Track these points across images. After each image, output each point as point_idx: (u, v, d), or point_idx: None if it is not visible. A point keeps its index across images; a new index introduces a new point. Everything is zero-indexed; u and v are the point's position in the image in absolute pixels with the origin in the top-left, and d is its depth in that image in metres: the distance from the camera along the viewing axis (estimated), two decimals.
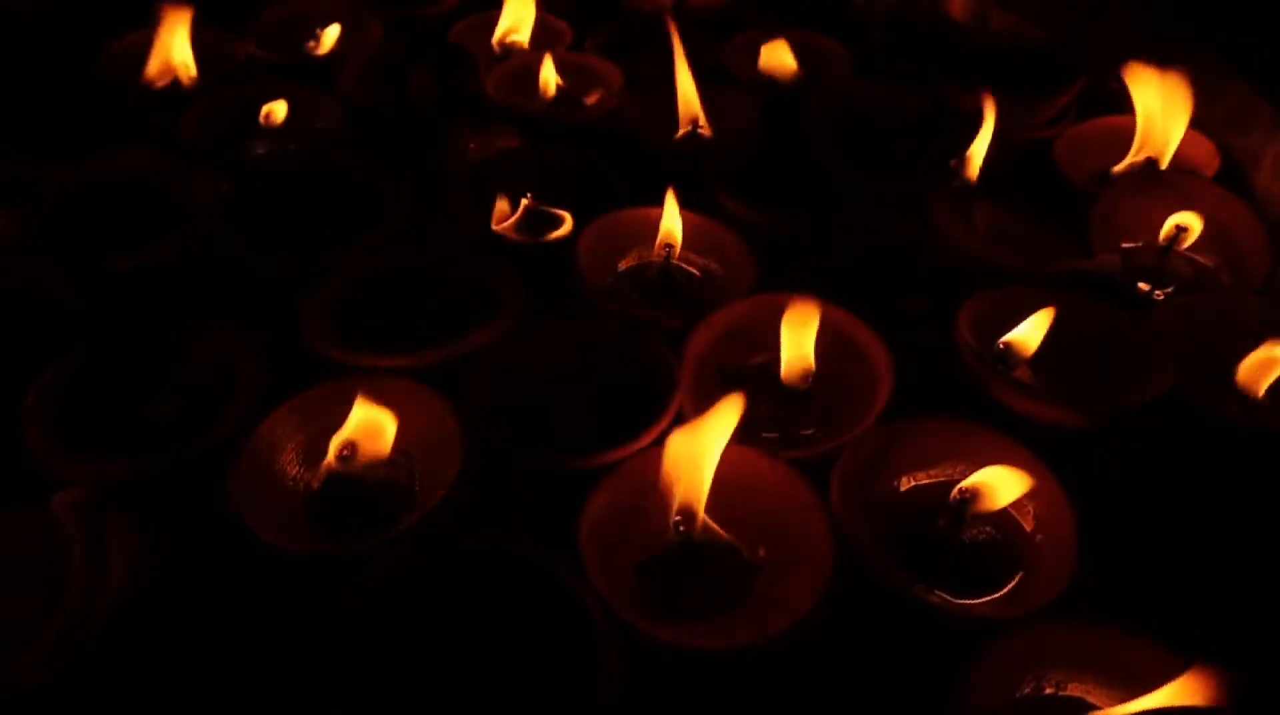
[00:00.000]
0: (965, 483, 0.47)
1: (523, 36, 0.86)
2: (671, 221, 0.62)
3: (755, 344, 0.58)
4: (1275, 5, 0.67)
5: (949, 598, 0.46)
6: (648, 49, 0.85)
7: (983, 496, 0.47)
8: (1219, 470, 0.54)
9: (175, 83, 0.78)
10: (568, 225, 0.64)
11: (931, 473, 0.52)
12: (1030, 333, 0.54)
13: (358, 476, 0.51)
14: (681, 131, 0.74)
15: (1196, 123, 0.71)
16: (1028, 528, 0.49)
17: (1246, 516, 0.52)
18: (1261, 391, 0.55)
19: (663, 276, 0.62)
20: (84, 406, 0.54)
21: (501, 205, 0.64)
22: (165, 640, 0.47)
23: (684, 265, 0.65)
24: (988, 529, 0.49)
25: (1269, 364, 0.54)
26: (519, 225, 0.65)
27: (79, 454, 0.50)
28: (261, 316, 0.59)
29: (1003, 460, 0.49)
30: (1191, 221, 0.63)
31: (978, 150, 0.68)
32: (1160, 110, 0.67)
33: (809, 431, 0.55)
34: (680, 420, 0.51)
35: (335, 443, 0.50)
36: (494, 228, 0.63)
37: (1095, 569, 0.46)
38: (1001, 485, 0.47)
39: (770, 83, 0.81)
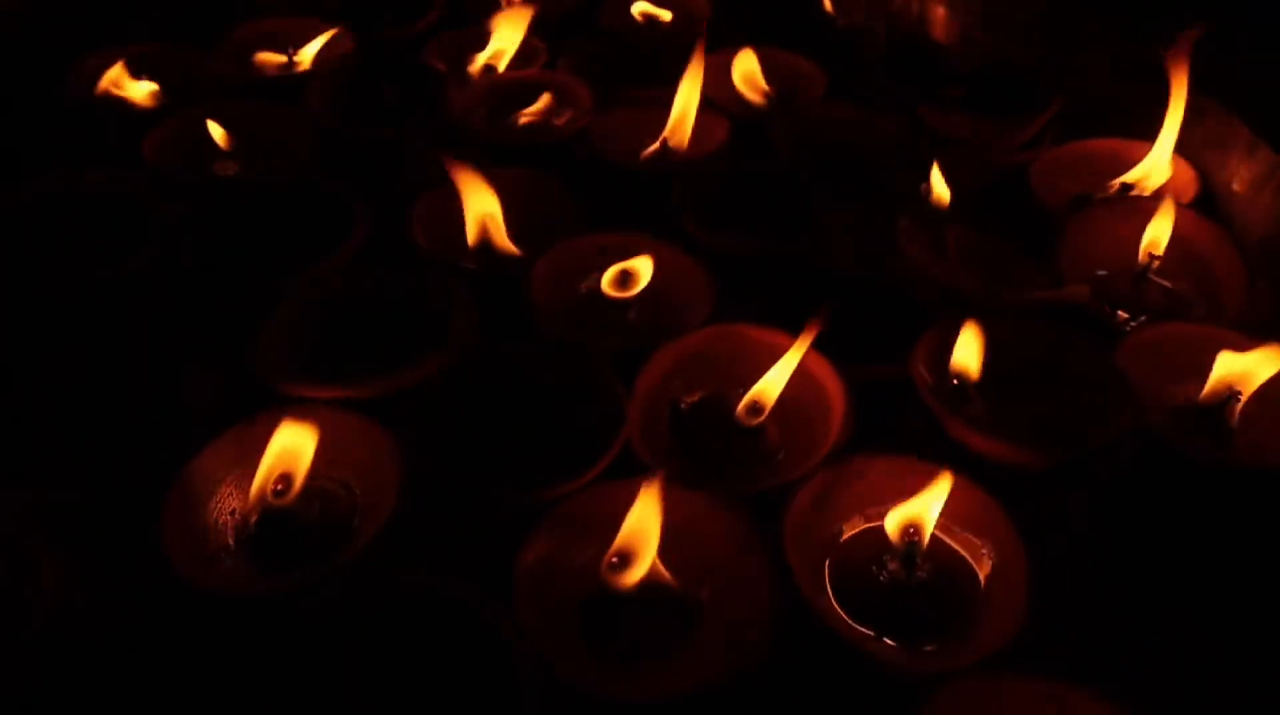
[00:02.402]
0: (896, 518, 0.46)
1: (502, 63, 0.85)
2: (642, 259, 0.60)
3: (710, 375, 0.56)
4: (1253, 27, 0.65)
5: (895, 645, 0.45)
6: (621, 68, 0.85)
7: (924, 529, 0.46)
8: (1186, 511, 0.52)
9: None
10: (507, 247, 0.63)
11: (884, 512, 0.50)
12: (966, 354, 0.52)
13: (294, 510, 0.49)
14: (650, 149, 0.73)
15: (1177, 146, 0.69)
16: (982, 573, 0.47)
17: (1213, 563, 0.50)
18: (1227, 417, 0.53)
19: (619, 306, 0.61)
20: (26, 431, 0.53)
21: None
22: (95, 677, 0.46)
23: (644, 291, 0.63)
24: (940, 572, 0.47)
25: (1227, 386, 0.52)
26: (478, 249, 0.64)
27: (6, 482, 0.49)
28: (217, 341, 0.58)
29: (955, 499, 0.48)
30: (1159, 234, 0.62)
31: (946, 174, 0.67)
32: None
33: (763, 466, 0.53)
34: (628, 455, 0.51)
35: (260, 476, 0.49)
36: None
37: (1049, 616, 0.44)
38: (928, 509, 0.45)
39: (742, 103, 0.80)
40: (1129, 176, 0.68)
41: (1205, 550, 0.51)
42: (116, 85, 0.77)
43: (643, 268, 0.60)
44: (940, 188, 0.67)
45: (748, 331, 0.56)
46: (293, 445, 0.50)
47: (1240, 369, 0.52)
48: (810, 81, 0.82)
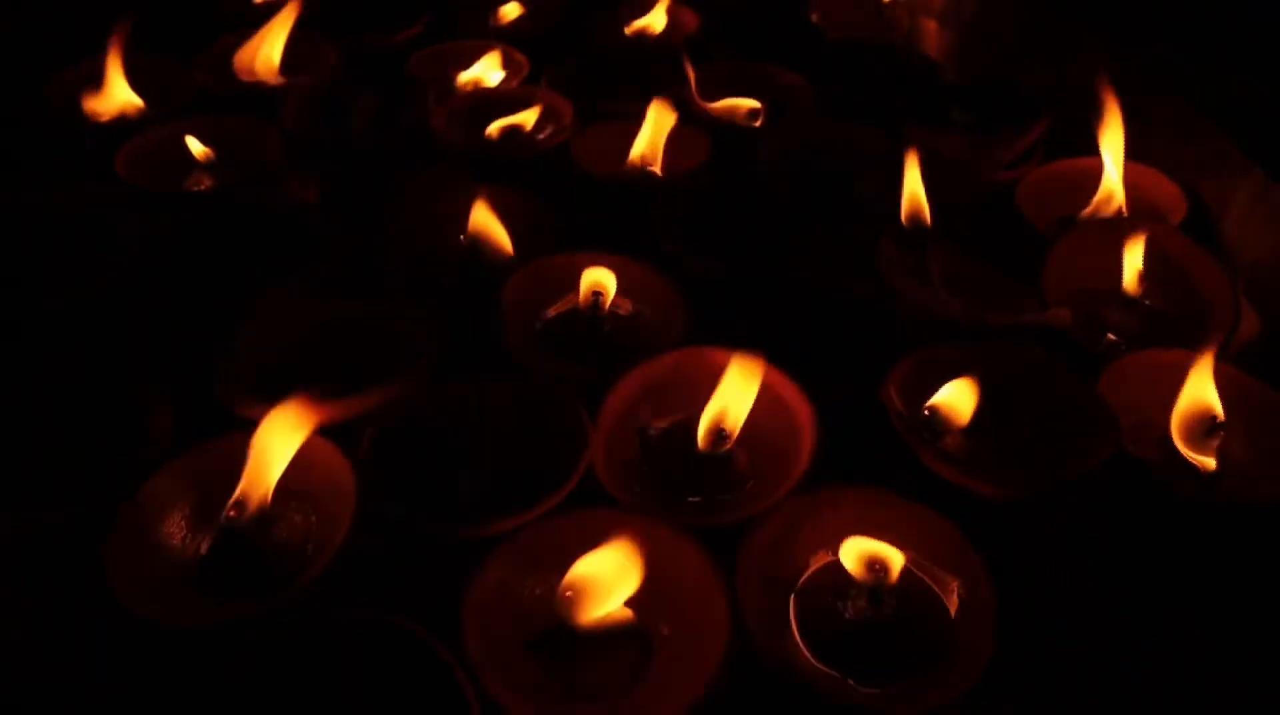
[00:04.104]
0: (851, 553, 0.44)
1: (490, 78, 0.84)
2: (602, 269, 0.59)
3: (680, 400, 0.55)
4: (1243, 47, 0.63)
5: (859, 685, 0.43)
6: (605, 84, 0.84)
7: (891, 565, 0.44)
8: (1168, 546, 0.50)
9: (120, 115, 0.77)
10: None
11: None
12: (956, 398, 0.51)
13: (249, 538, 0.48)
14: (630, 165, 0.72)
15: (1164, 166, 0.68)
16: (952, 610, 0.46)
17: (1195, 601, 0.48)
18: (1203, 450, 0.51)
19: (590, 326, 0.60)
20: None
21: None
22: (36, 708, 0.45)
23: (618, 311, 0.62)
24: (907, 608, 0.46)
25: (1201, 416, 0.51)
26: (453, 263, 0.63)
27: None
28: (178, 362, 0.57)
29: (925, 531, 0.46)
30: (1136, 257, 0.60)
31: (921, 192, 0.65)
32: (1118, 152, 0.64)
33: (732, 495, 0.52)
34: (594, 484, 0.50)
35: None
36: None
37: (1020, 655, 0.43)
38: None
39: (726, 119, 0.79)
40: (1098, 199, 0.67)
41: (1187, 588, 0.49)
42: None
43: (606, 280, 0.59)
44: (917, 204, 0.65)
45: (718, 355, 0.55)
46: (269, 464, 0.49)
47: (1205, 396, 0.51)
48: (797, 96, 0.81)
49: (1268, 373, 0.55)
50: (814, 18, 0.92)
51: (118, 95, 0.76)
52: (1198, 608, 0.48)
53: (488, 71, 0.83)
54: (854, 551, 0.45)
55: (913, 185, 0.66)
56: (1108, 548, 0.50)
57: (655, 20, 0.91)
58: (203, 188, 0.72)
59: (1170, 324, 0.62)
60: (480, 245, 0.63)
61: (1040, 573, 0.49)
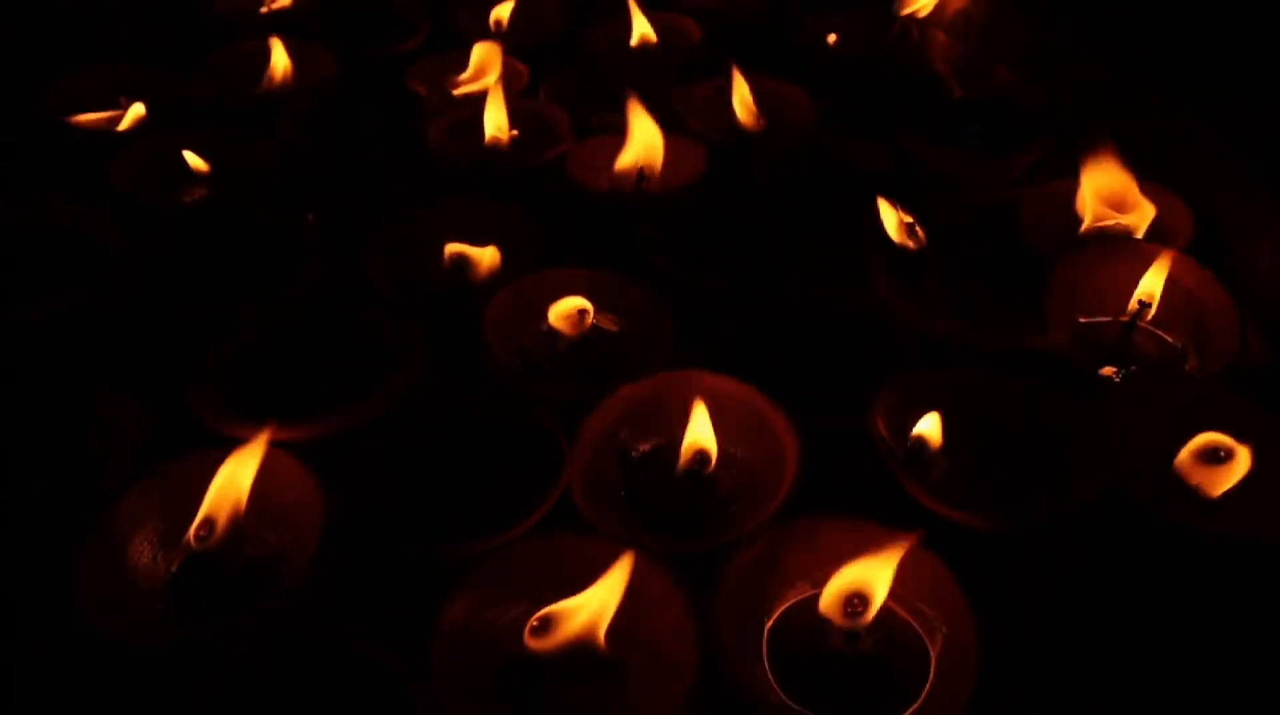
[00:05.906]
0: (836, 586, 0.43)
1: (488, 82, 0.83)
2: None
3: (661, 423, 0.54)
4: (1254, 62, 0.62)
5: None
6: (604, 96, 0.83)
7: (872, 599, 0.43)
8: (1162, 584, 0.48)
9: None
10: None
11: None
12: (929, 428, 0.49)
13: (219, 557, 0.48)
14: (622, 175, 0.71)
15: (1173, 184, 0.66)
16: (934, 648, 0.44)
17: (1190, 643, 0.46)
18: (1196, 483, 0.49)
19: (576, 345, 0.58)
20: None
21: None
22: None
23: (603, 324, 0.60)
24: (888, 646, 0.44)
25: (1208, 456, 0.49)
26: (439, 278, 0.62)
27: None
28: (153, 376, 0.56)
29: (909, 566, 0.45)
30: (1153, 288, 0.58)
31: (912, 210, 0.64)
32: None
33: (713, 521, 0.50)
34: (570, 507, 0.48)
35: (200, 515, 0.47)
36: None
37: (1002, 696, 0.41)
38: (876, 578, 0.42)
39: (722, 132, 0.77)
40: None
41: (1183, 624, 0.47)
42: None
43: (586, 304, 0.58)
44: (895, 225, 0.63)
45: (703, 378, 0.54)
46: (232, 485, 0.48)
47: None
48: (798, 110, 0.80)
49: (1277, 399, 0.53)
50: (820, 30, 0.91)
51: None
52: (1193, 646, 0.46)
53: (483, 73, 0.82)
54: (835, 588, 0.43)
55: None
56: (1099, 583, 0.49)
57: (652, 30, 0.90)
58: (195, 199, 0.72)
59: (1174, 349, 0.60)
60: (460, 265, 0.62)
61: (1029, 609, 0.47)
